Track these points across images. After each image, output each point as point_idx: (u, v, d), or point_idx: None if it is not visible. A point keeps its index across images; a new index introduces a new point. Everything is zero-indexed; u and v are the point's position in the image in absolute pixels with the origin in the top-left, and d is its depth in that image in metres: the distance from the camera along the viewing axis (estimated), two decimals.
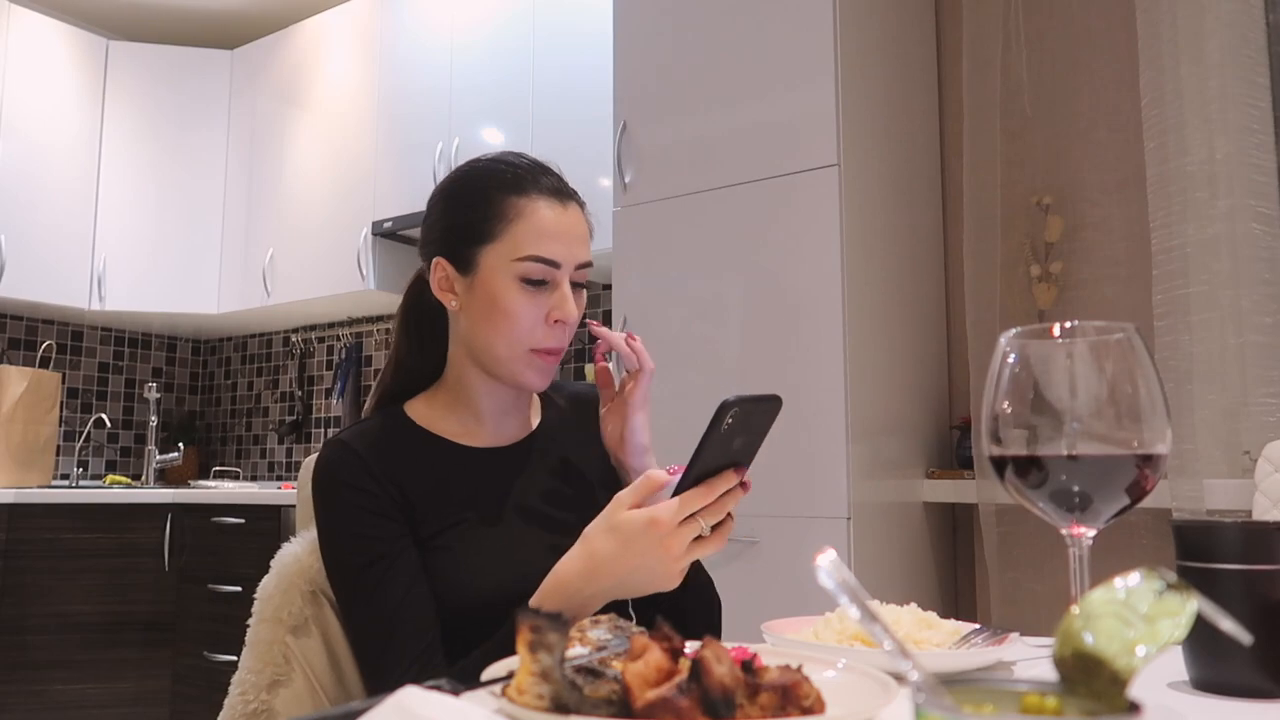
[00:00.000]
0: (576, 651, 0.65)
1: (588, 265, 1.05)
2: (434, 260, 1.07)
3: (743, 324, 2.20)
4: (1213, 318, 1.99)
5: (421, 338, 1.14)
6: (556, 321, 1.02)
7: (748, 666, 0.56)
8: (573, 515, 1.03)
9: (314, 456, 1.04)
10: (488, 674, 0.64)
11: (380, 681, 0.92)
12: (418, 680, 0.82)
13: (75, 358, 4.14)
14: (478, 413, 1.09)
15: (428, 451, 1.05)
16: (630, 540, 0.82)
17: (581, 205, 1.08)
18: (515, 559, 0.99)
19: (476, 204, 1.04)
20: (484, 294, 1.02)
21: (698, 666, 0.53)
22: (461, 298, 1.05)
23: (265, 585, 1.04)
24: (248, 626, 1.03)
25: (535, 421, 1.14)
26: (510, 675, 0.60)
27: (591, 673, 0.58)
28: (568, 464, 1.12)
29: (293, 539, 1.08)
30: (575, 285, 1.04)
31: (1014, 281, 2.37)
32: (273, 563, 1.06)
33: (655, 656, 0.56)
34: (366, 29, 3.64)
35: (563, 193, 1.06)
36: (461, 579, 0.98)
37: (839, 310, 2.06)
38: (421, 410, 1.09)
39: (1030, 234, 2.37)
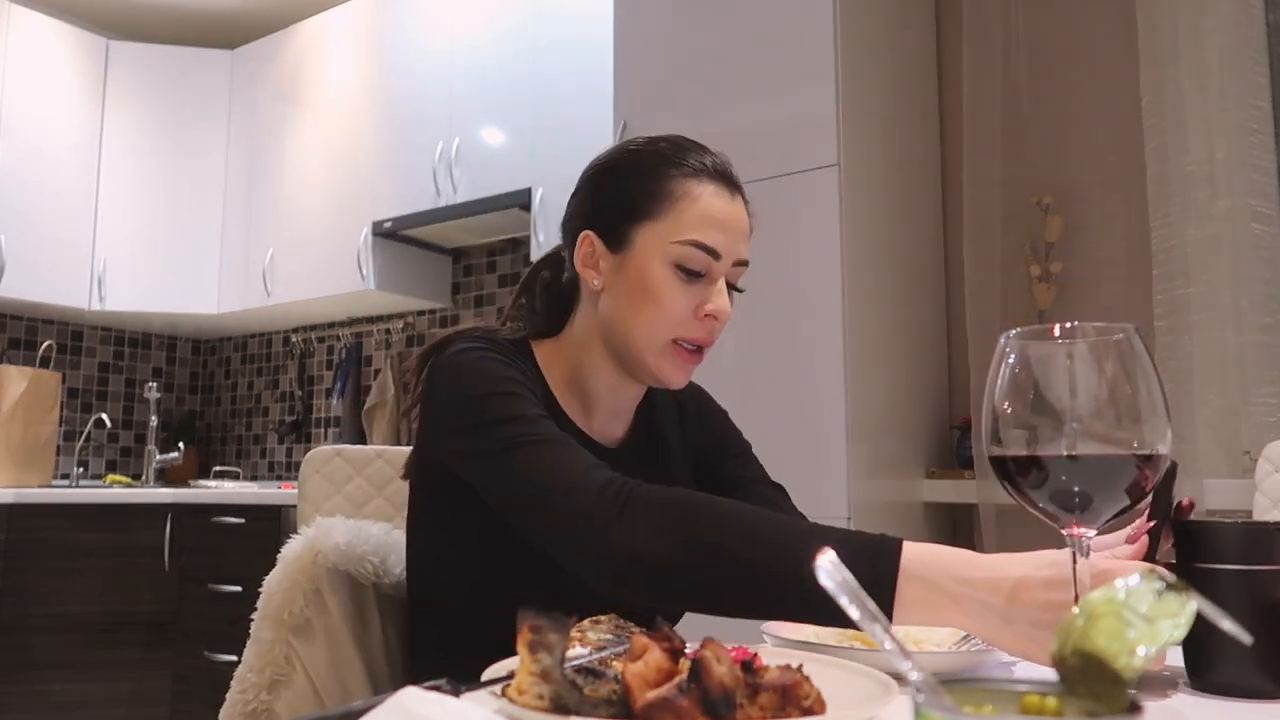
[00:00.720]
0: (577, 652, 0.65)
1: (745, 265, 0.99)
2: (582, 234, 1.00)
3: (743, 324, 2.20)
4: (1213, 317, 1.99)
5: (550, 304, 1.06)
6: (707, 316, 0.95)
7: (748, 666, 0.56)
8: None
9: (312, 451, 1.03)
10: (488, 674, 0.64)
11: (576, 498, 0.80)
12: (617, 493, 0.78)
13: (75, 357, 4.14)
14: (590, 401, 1.02)
15: (545, 408, 0.96)
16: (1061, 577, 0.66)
17: (747, 201, 1.02)
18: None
19: (639, 178, 0.98)
20: (634, 274, 0.95)
21: (698, 666, 0.53)
22: (607, 276, 0.98)
23: (270, 580, 1.03)
24: (251, 620, 1.03)
25: (630, 424, 1.08)
26: (510, 675, 0.60)
27: (592, 673, 0.58)
28: (652, 474, 1.04)
29: (296, 536, 1.08)
30: (730, 287, 0.99)
31: (1014, 281, 2.37)
32: (279, 557, 1.05)
33: (655, 657, 0.56)
34: (367, 29, 3.64)
35: (732, 182, 1.00)
36: (509, 559, 0.91)
37: (839, 310, 2.06)
38: (545, 360, 1.02)
39: (1030, 234, 2.37)
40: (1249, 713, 0.66)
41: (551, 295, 1.08)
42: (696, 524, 0.76)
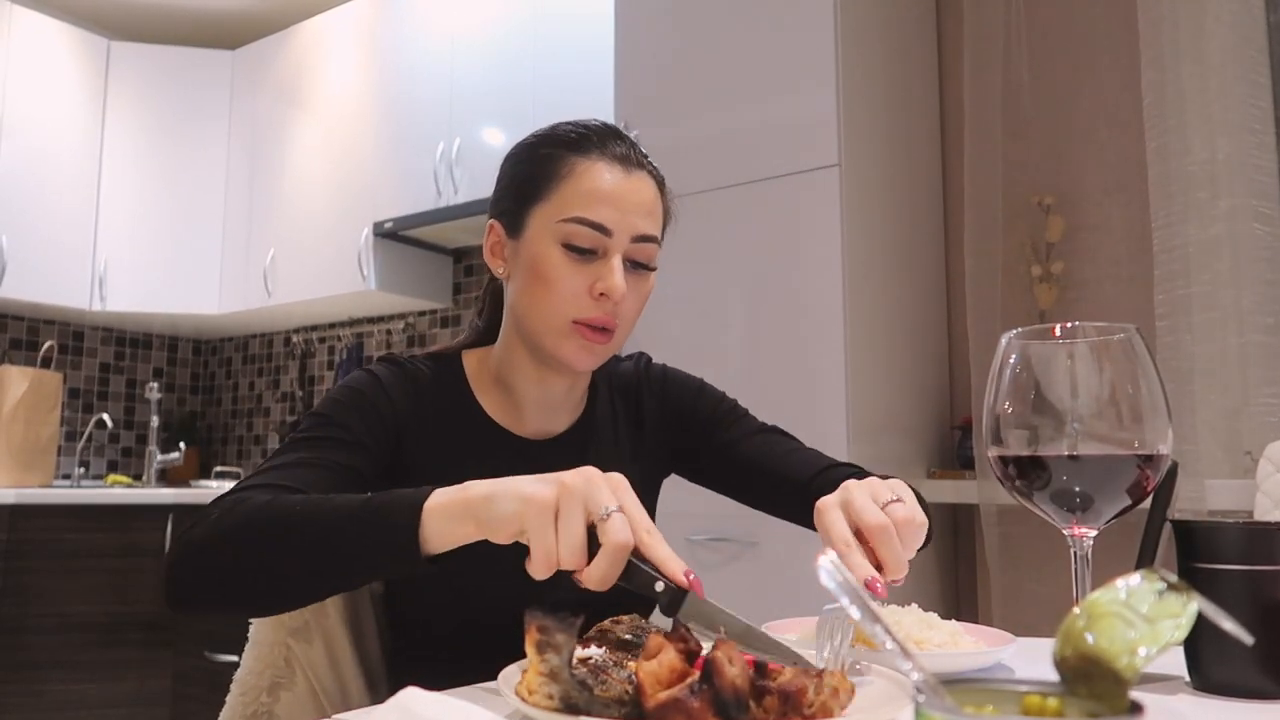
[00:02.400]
0: (592, 652, 0.65)
1: (649, 240, 0.96)
2: (489, 223, 1.01)
3: (744, 324, 2.20)
4: (1214, 318, 1.99)
5: (493, 304, 1.09)
6: (601, 294, 0.93)
7: (761, 669, 0.55)
8: None
9: None
10: (503, 676, 0.64)
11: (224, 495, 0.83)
12: (240, 497, 0.80)
13: (76, 358, 4.15)
14: (519, 401, 1.02)
15: (461, 416, 0.99)
16: None
17: (657, 179, 0.99)
18: (499, 559, 0.91)
19: (533, 162, 0.97)
20: (528, 258, 0.95)
21: (710, 667, 0.53)
22: (509, 264, 0.99)
23: None
24: (250, 623, 1.03)
25: (577, 415, 1.06)
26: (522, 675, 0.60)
27: (605, 672, 0.58)
28: (593, 464, 1.06)
29: None
30: (637, 265, 0.96)
31: (1015, 282, 2.37)
32: None
33: (669, 657, 0.55)
34: (368, 30, 3.64)
35: (628, 159, 0.96)
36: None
37: (840, 310, 2.06)
38: (473, 368, 1.03)
39: (1031, 234, 2.37)
40: (1249, 713, 0.66)
41: (494, 293, 1.09)
42: (246, 513, 0.76)
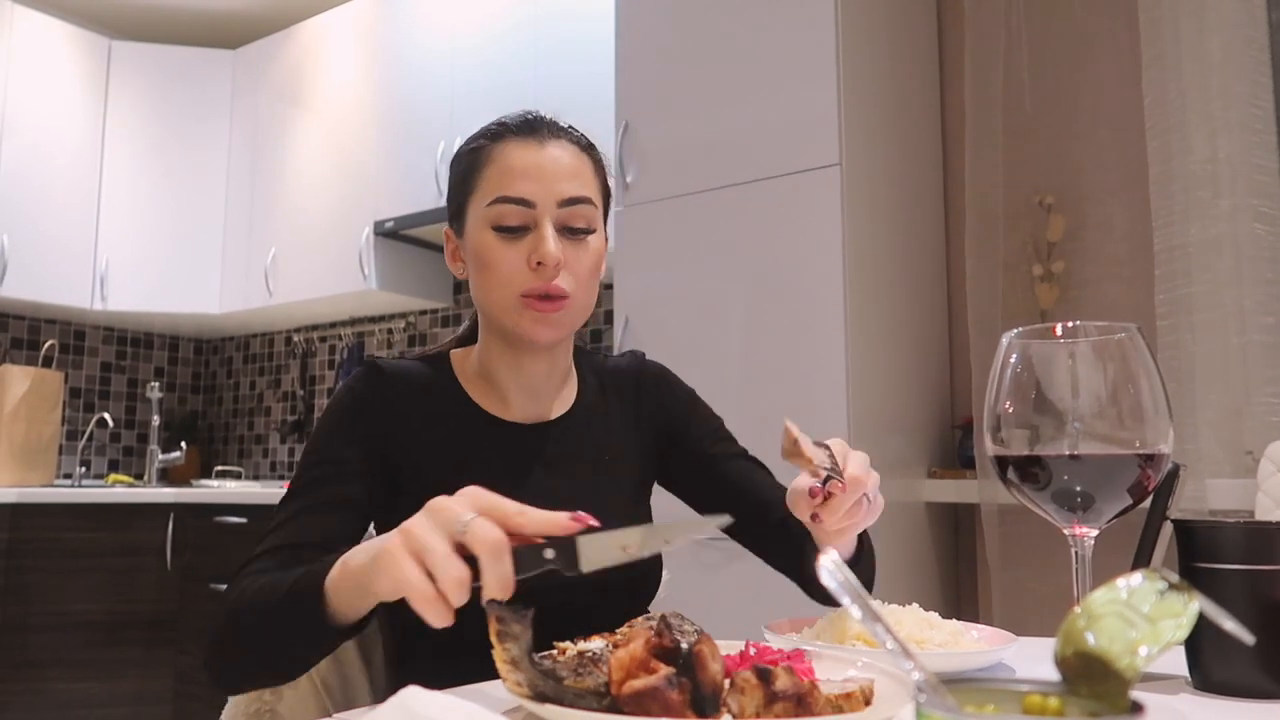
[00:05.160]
0: (594, 645, 0.65)
1: (578, 202, 0.96)
2: (445, 232, 1.05)
3: (745, 323, 2.20)
4: (1215, 317, 1.98)
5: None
6: (539, 264, 0.93)
7: (764, 674, 0.55)
8: (575, 507, 0.99)
9: None
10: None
11: (241, 566, 0.88)
12: (250, 572, 0.84)
13: (78, 357, 4.15)
14: (503, 387, 1.03)
15: (455, 412, 1.01)
16: None
17: (580, 143, 1.00)
18: None
19: (459, 160, 1.01)
20: (471, 250, 0.98)
21: (692, 660, 0.53)
22: (465, 263, 1.02)
23: None
24: None
25: (569, 403, 1.08)
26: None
27: (598, 664, 0.58)
28: (588, 453, 1.05)
29: None
30: (575, 231, 0.97)
31: (1016, 281, 2.36)
32: None
33: (635, 646, 0.56)
34: (368, 29, 3.65)
35: (537, 129, 0.98)
36: None
37: (841, 310, 2.06)
38: (460, 365, 1.06)
39: (1032, 233, 2.36)
40: (1250, 713, 0.66)
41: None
42: (240, 601, 0.82)
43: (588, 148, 1.02)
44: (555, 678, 0.57)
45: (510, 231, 0.95)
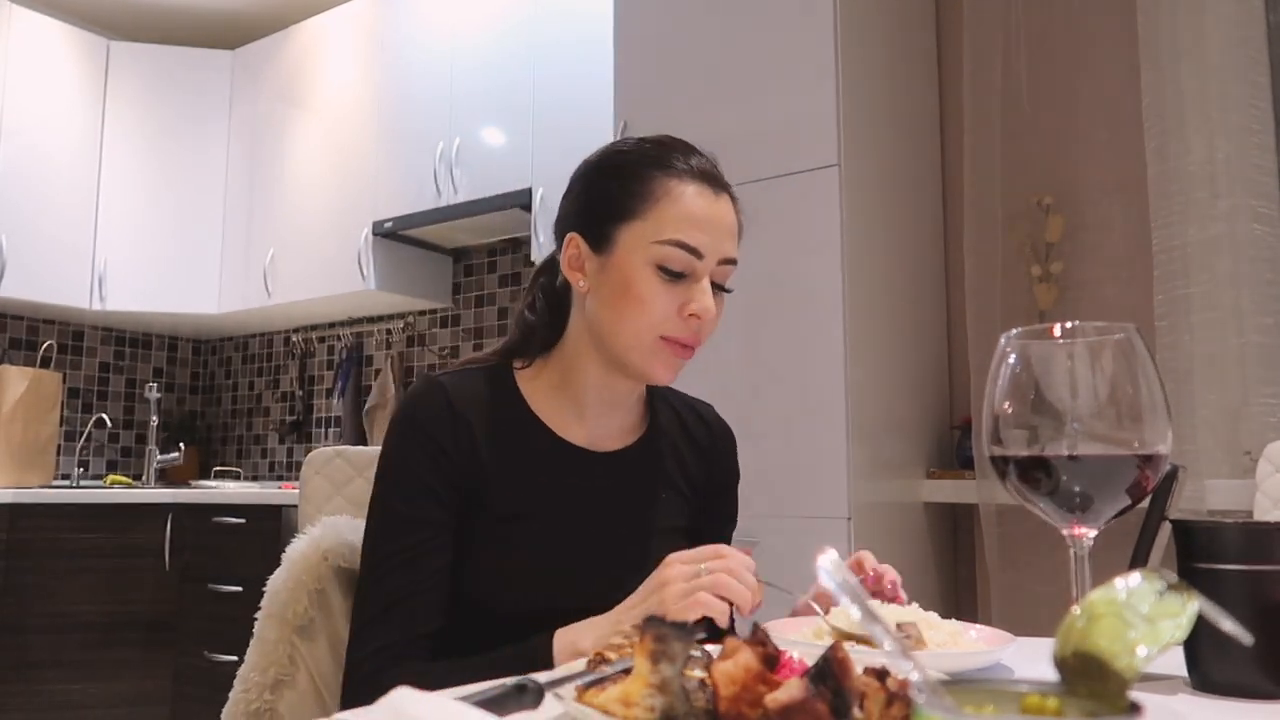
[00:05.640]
0: (613, 656, 0.64)
1: (733, 263, 0.99)
2: (568, 236, 1.00)
3: (743, 324, 2.20)
4: (1214, 318, 1.99)
5: (550, 309, 1.07)
6: (692, 315, 0.94)
7: (881, 674, 0.53)
8: (641, 548, 0.98)
9: (313, 452, 1.03)
10: (563, 672, 0.63)
11: (356, 647, 0.89)
12: (383, 665, 0.83)
13: (76, 358, 4.15)
14: (581, 404, 1.02)
15: (521, 431, 0.99)
16: None
17: (734, 199, 1.01)
18: (559, 576, 0.95)
19: (622, 179, 0.98)
20: (617, 276, 0.95)
21: (836, 668, 0.51)
22: (592, 278, 0.98)
23: (275, 579, 1.04)
24: (255, 620, 1.03)
25: (641, 431, 1.07)
26: (573, 676, 0.59)
27: (702, 683, 0.56)
28: (650, 487, 1.05)
29: (301, 535, 1.08)
30: (717, 287, 0.98)
31: (1015, 282, 2.36)
32: (284, 557, 1.05)
33: (746, 657, 0.53)
34: (367, 29, 3.64)
35: (716, 180, 0.99)
36: (496, 578, 0.94)
37: (839, 310, 2.06)
38: (528, 379, 1.03)
39: (1031, 234, 2.37)
40: (1249, 713, 0.66)
41: (550, 299, 1.08)
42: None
43: (738, 205, 1.02)
44: (689, 698, 0.53)
45: (671, 275, 0.94)
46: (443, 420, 0.95)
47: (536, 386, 1.03)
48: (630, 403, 1.06)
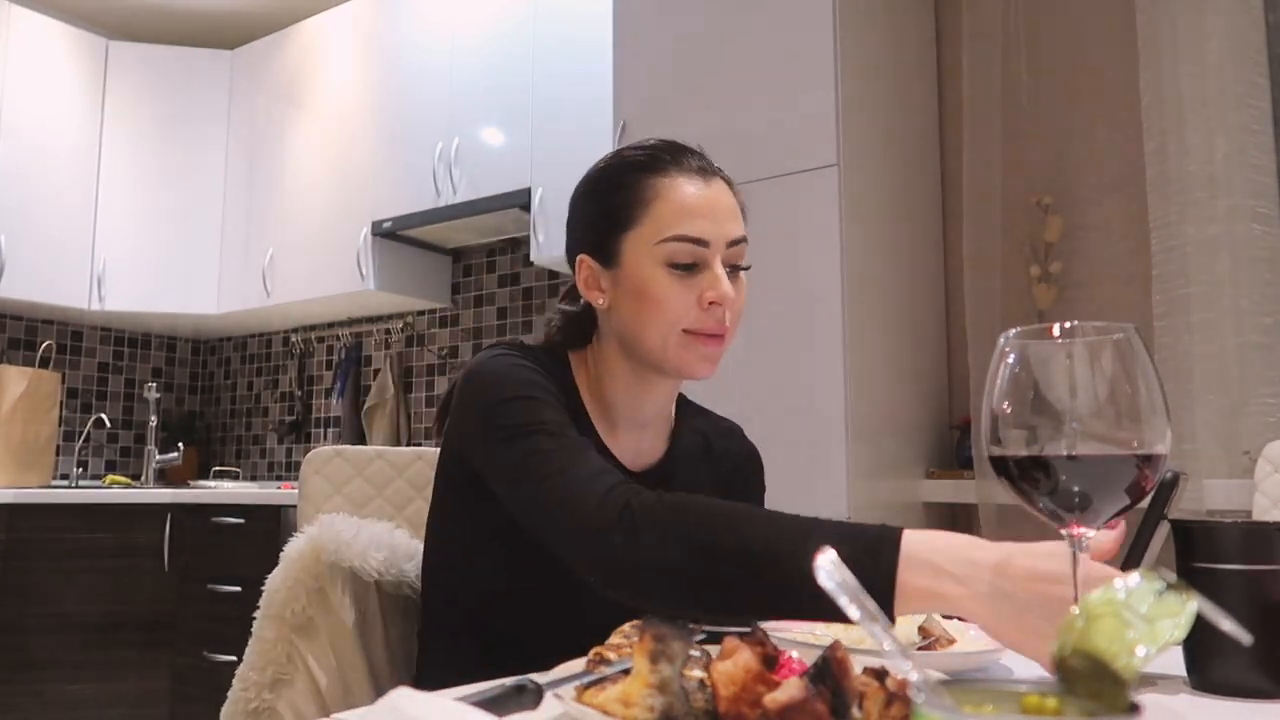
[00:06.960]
0: (619, 665, 0.63)
1: (741, 241, 0.98)
2: (578, 259, 1.01)
3: (742, 324, 2.19)
4: (1213, 318, 1.99)
5: (574, 324, 1.08)
6: (711, 303, 0.95)
7: (880, 674, 0.53)
8: None
9: (312, 451, 1.03)
10: (560, 672, 0.63)
11: (585, 507, 0.81)
12: (636, 491, 0.80)
13: (75, 358, 4.14)
14: (611, 416, 1.03)
15: (574, 421, 0.96)
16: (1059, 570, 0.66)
17: (728, 181, 1.01)
18: (556, 594, 0.92)
19: (614, 191, 0.99)
20: (631, 284, 0.96)
21: (834, 668, 0.51)
22: (609, 294, 0.99)
23: (273, 579, 1.04)
24: (253, 619, 1.03)
25: (658, 456, 1.07)
26: (573, 677, 0.59)
27: (701, 683, 0.55)
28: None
29: (299, 534, 1.08)
30: (734, 268, 0.98)
31: (1014, 281, 2.37)
32: (281, 556, 1.05)
33: (746, 658, 0.53)
34: (367, 29, 3.64)
35: (705, 168, 0.99)
36: (500, 576, 0.94)
37: (838, 310, 2.06)
38: (579, 369, 1.04)
39: (1030, 234, 2.37)
40: (1249, 713, 0.66)
41: (578, 311, 1.09)
42: (699, 528, 0.77)
43: (734, 185, 1.02)
44: (688, 697, 0.53)
45: (682, 269, 0.95)
46: (533, 367, 0.96)
47: (585, 384, 1.04)
48: (657, 424, 1.06)
